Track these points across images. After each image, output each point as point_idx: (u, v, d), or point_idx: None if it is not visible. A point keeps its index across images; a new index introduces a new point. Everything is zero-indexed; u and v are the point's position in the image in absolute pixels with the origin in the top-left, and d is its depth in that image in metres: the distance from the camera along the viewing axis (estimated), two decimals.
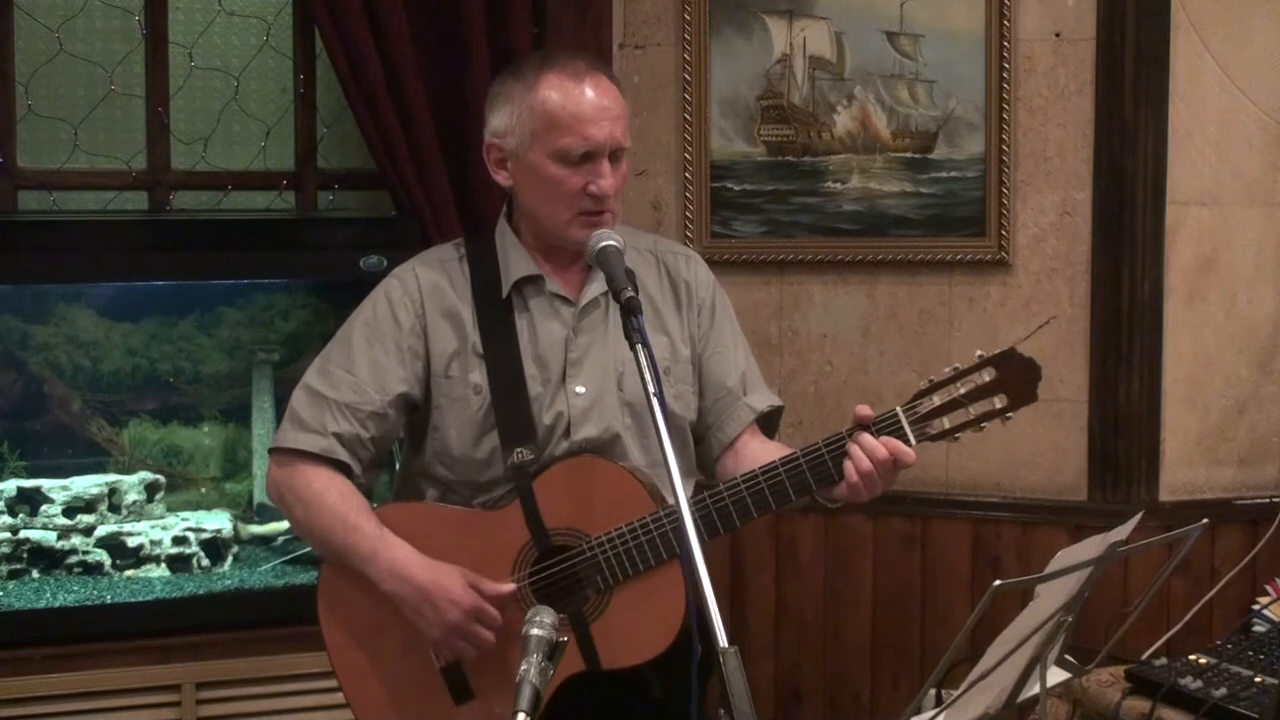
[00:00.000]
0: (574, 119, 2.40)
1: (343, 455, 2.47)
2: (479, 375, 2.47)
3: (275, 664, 3.62)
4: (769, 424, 2.64)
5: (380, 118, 3.60)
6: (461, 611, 2.38)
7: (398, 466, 3.16)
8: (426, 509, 2.52)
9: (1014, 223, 3.71)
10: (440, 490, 2.53)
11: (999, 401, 2.35)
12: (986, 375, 2.34)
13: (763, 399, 2.61)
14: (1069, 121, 3.68)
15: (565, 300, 2.51)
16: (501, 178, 2.50)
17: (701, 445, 2.60)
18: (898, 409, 2.36)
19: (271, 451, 2.53)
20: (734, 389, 2.58)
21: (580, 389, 2.47)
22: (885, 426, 2.35)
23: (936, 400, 2.35)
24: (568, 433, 2.46)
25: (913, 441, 2.35)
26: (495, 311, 2.49)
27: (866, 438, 2.34)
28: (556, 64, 2.45)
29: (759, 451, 2.53)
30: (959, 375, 2.35)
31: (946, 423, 2.35)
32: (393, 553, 2.42)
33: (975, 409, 2.35)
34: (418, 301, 2.51)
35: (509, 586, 2.40)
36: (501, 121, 2.46)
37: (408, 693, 2.47)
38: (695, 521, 2.27)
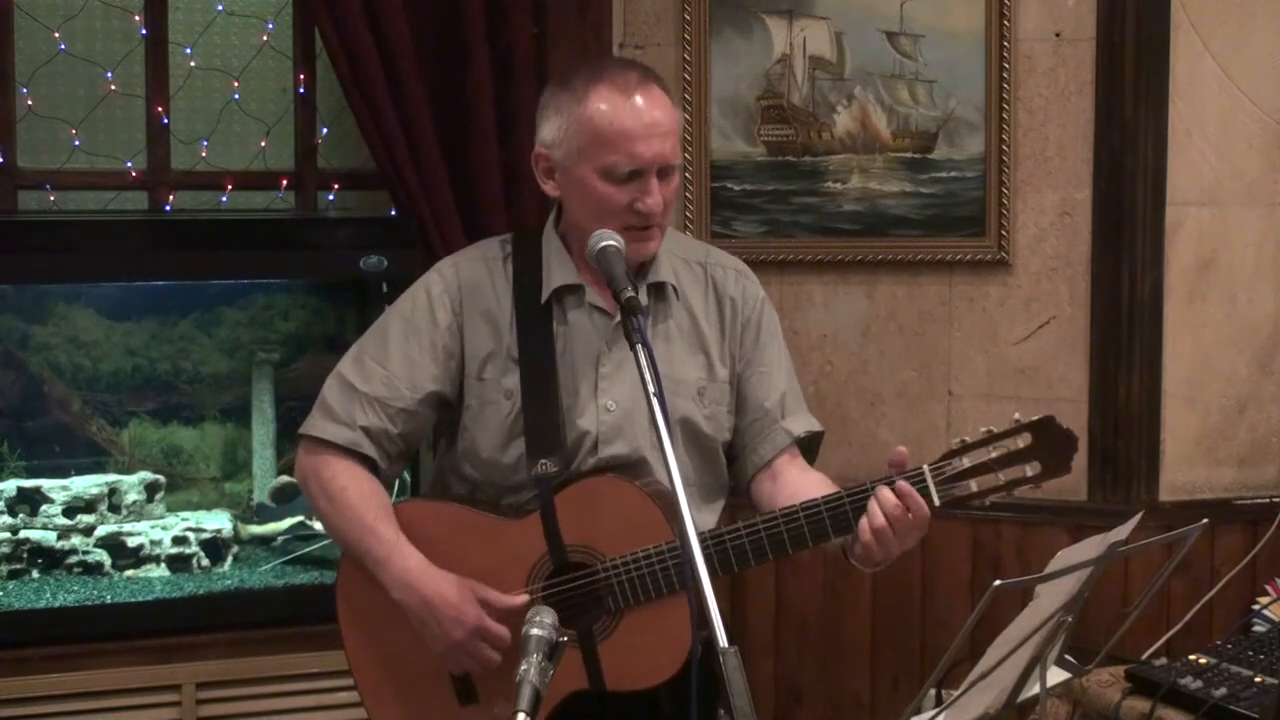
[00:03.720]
0: (621, 136, 2.34)
1: (368, 449, 2.45)
2: (512, 380, 2.44)
3: (275, 664, 3.62)
4: (808, 449, 2.59)
5: (380, 118, 3.59)
6: (465, 630, 2.36)
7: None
8: (449, 510, 2.49)
9: (1014, 223, 3.71)
10: (468, 488, 2.51)
11: (1030, 470, 2.29)
12: (1021, 441, 2.29)
13: (801, 424, 2.56)
14: (1069, 121, 3.68)
15: (603, 313, 2.46)
16: (549, 187, 2.46)
17: (735, 465, 2.56)
18: (924, 467, 2.30)
19: (300, 438, 2.51)
20: (772, 411, 2.53)
21: (611, 405, 2.43)
22: (910, 484, 2.29)
23: (966, 462, 2.29)
24: (595, 448, 2.43)
25: (936, 502, 2.29)
26: (534, 317, 2.45)
27: (885, 493, 2.28)
28: (607, 76, 2.39)
29: (797, 482, 2.49)
30: (993, 438, 2.29)
31: (974, 486, 2.29)
32: (405, 562, 2.40)
33: (1005, 475, 2.29)
34: (456, 300, 2.48)
35: (520, 599, 2.36)
36: (550, 133, 2.41)
37: (416, 690, 2.47)
38: (708, 552, 2.30)
